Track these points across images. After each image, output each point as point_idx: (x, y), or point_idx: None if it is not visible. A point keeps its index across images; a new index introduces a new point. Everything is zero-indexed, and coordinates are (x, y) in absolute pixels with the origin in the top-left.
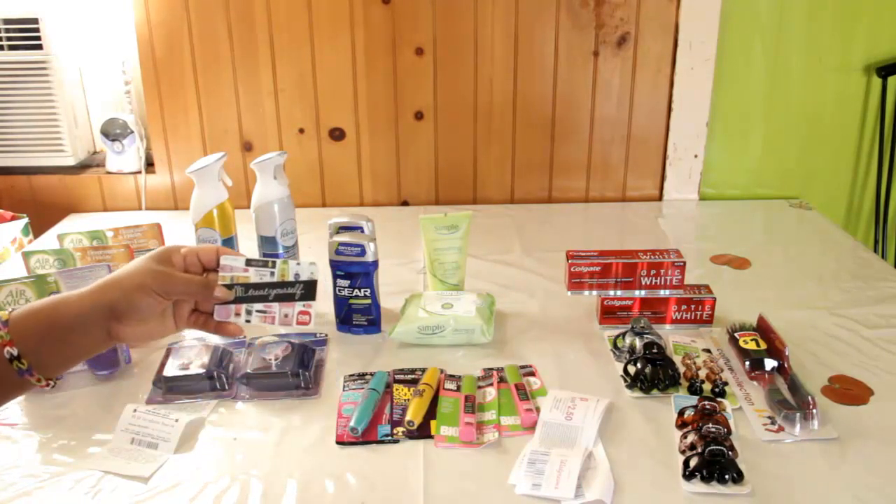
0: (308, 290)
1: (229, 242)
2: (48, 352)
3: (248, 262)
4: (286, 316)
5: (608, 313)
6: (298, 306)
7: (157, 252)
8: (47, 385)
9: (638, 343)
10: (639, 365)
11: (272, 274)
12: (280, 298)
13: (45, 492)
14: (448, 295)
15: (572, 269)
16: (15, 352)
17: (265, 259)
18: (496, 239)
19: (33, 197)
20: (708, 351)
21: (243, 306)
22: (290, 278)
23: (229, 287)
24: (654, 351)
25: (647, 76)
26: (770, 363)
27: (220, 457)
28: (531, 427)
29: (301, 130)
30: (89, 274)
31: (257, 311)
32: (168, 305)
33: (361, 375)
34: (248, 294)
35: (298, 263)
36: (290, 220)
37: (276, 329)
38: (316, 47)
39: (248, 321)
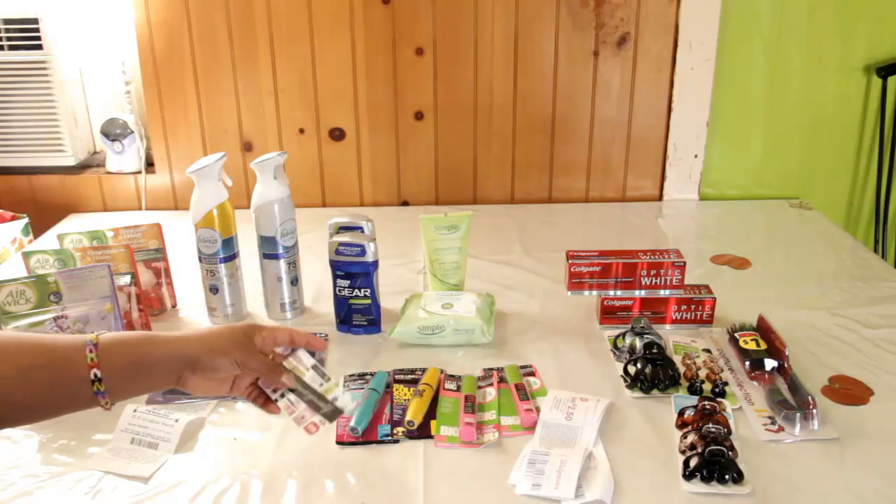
0: (331, 414)
1: (229, 242)
2: (126, 382)
3: (314, 367)
4: (302, 417)
5: (608, 313)
6: (316, 417)
7: (244, 326)
8: (108, 408)
9: (638, 343)
10: (639, 365)
11: (321, 385)
12: (310, 403)
13: (45, 492)
14: (448, 295)
15: (572, 269)
16: (100, 374)
17: (324, 372)
18: (496, 239)
19: (33, 197)
20: (708, 351)
21: (284, 390)
22: (330, 398)
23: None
24: (654, 351)
25: (647, 76)
26: (770, 363)
27: (220, 457)
28: (531, 427)
29: (301, 130)
30: (89, 274)
31: (288, 398)
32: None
33: (361, 375)
34: (294, 388)
35: (344, 392)
36: (290, 220)
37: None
38: (316, 47)
39: (276, 400)
